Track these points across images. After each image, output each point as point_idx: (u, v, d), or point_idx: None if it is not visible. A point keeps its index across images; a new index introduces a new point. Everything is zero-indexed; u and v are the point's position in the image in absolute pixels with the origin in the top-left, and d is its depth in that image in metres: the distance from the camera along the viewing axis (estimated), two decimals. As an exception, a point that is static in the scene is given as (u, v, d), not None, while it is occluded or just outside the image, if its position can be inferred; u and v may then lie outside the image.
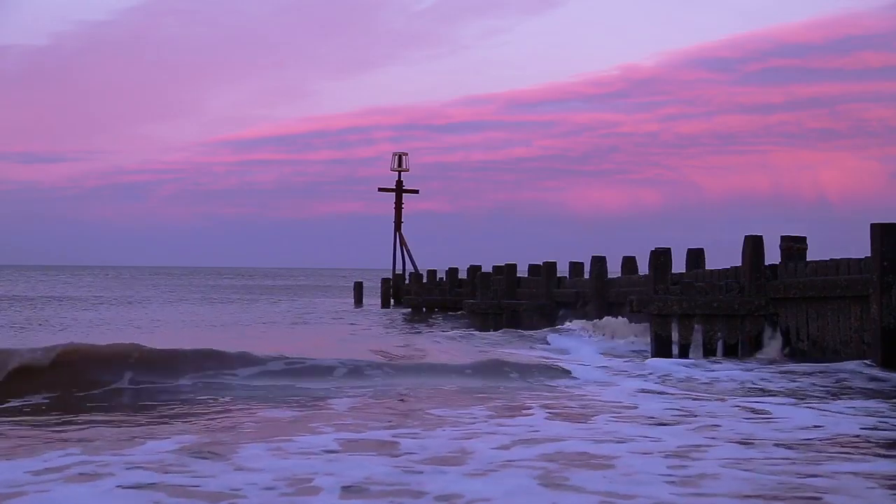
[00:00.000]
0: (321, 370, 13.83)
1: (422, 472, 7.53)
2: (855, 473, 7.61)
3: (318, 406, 11.34)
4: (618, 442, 8.93)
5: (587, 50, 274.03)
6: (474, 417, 10.54)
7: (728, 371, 15.47)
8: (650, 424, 10.13)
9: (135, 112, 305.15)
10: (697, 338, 18.21)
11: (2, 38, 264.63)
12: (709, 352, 17.99)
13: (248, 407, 11.26)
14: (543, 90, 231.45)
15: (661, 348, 18.27)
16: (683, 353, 18.04)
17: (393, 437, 9.15)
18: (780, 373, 15.15)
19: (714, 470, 7.68)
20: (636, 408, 11.56)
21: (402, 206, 51.29)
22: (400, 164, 52.16)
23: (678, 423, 10.16)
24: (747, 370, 15.73)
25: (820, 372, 14.90)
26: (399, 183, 51.57)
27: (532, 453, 8.36)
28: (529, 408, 11.42)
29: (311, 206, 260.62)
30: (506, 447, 8.66)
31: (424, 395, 12.32)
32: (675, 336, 18.24)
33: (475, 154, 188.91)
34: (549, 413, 10.99)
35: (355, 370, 13.98)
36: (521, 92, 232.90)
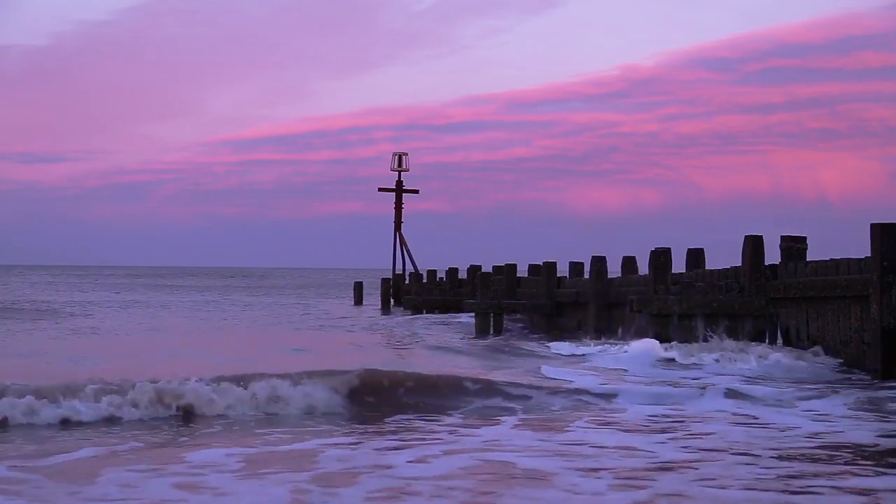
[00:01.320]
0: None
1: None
2: (839, 488, 7.38)
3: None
4: (581, 456, 8.66)
5: (587, 50, 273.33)
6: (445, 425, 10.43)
7: (723, 374, 15.48)
8: (630, 433, 9.98)
9: (135, 112, 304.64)
10: (698, 338, 18.22)
11: (2, 38, 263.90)
12: (709, 352, 17.98)
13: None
14: (543, 90, 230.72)
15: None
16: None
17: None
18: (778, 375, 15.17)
19: (682, 488, 7.39)
20: (624, 411, 11.49)
21: (402, 206, 51.28)
22: (400, 164, 52.15)
23: (663, 432, 10.01)
24: (747, 371, 15.74)
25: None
26: (399, 183, 51.56)
27: (470, 469, 8.07)
28: (509, 413, 11.28)
29: (311, 206, 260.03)
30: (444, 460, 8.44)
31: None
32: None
33: (475, 154, 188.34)
34: (521, 420, 10.82)
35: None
36: (521, 92, 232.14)
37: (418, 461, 8.44)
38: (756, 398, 12.43)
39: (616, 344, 19.44)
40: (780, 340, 17.81)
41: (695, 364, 16.52)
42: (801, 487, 7.39)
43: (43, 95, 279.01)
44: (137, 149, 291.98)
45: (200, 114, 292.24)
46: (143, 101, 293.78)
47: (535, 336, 25.14)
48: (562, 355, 18.94)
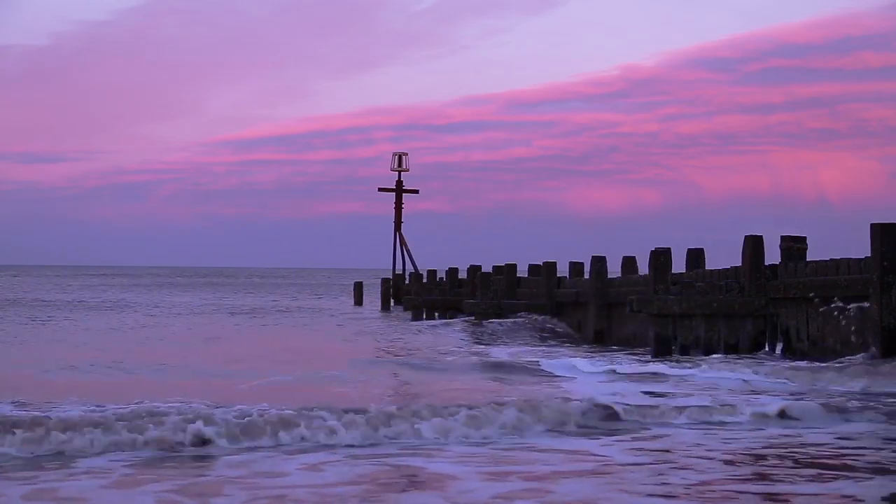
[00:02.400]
0: None
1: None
2: (760, 494, 7.21)
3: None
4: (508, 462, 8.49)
5: (587, 50, 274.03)
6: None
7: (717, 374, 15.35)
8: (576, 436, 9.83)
9: (135, 112, 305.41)
10: (698, 338, 18.23)
11: (2, 38, 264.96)
12: (709, 352, 17.97)
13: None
14: (543, 90, 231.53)
15: (661, 349, 18.26)
16: (684, 354, 18.04)
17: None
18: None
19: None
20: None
21: (402, 206, 51.28)
22: (400, 164, 52.15)
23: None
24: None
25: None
26: (399, 183, 51.56)
27: (367, 475, 7.88)
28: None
29: (311, 206, 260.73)
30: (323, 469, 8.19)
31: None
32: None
33: (475, 154, 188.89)
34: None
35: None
36: (521, 92, 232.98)
37: (310, 469, 8.16)
38: None
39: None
40: (779, 341, 17.84)
41: None
42: (717, 493, 7.23)
43: (43, 95, 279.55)
44: (137, 149, 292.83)
45: (200, 114, 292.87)
46: (143, 101, 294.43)
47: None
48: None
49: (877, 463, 8.34)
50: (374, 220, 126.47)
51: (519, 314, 27.16)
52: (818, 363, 15.48)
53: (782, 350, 17.70)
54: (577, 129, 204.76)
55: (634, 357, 18.53)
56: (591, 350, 21.24)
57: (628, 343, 21.81)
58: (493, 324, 26.55)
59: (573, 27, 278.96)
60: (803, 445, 9.21)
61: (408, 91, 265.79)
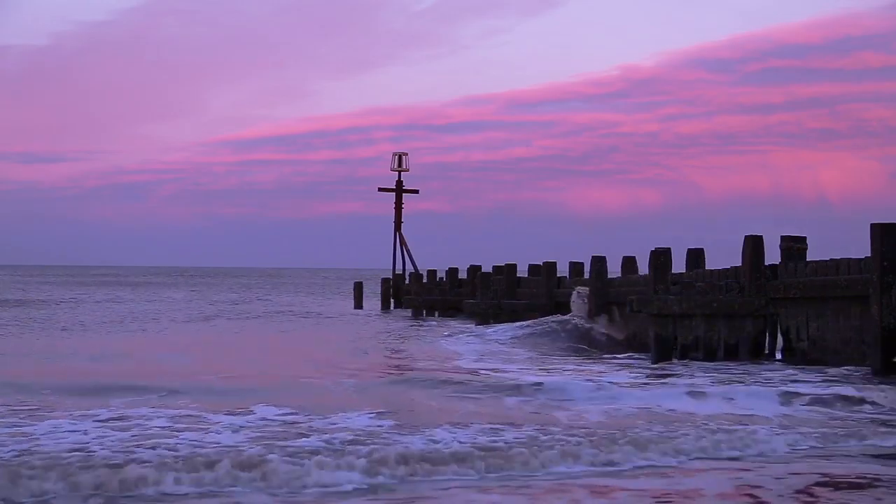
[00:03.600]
0: None
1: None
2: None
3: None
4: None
5: (587, 50, 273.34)
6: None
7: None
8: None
9: (135, 112, 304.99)
10: (698, 338, 18.21)
11: (2, 38, 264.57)
12: (709, 352, 17.97)
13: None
14: (543, 90, 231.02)
15: (661, 349, 18.26)
16: (684, 354, 18.05)
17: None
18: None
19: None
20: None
21: (402, 206, 51.19)
22: (400, 164, 52.07)
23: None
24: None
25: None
26: (399, 183, 51.48)
27: None
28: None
29: (311, 206, 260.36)
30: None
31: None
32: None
33: (475, 154, 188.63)
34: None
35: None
36: (521, 92, 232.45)
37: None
38: None
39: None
40: (779, 340, 17.85)
41: None
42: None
43: (43, 95, 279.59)
44: (137, 149, 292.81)
45: (200, 114, 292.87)
46: (143, 101, 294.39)
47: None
48: None
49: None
50: (374, 220, 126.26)
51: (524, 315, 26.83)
52: None
53: (782, 350, 17.72)
54: (577, 129, 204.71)
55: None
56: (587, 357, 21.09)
57: (628, 343, 21.79)
58: (499, 329, 25.88)
59: (573, 27, 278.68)
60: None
61: (408, 91, 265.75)
